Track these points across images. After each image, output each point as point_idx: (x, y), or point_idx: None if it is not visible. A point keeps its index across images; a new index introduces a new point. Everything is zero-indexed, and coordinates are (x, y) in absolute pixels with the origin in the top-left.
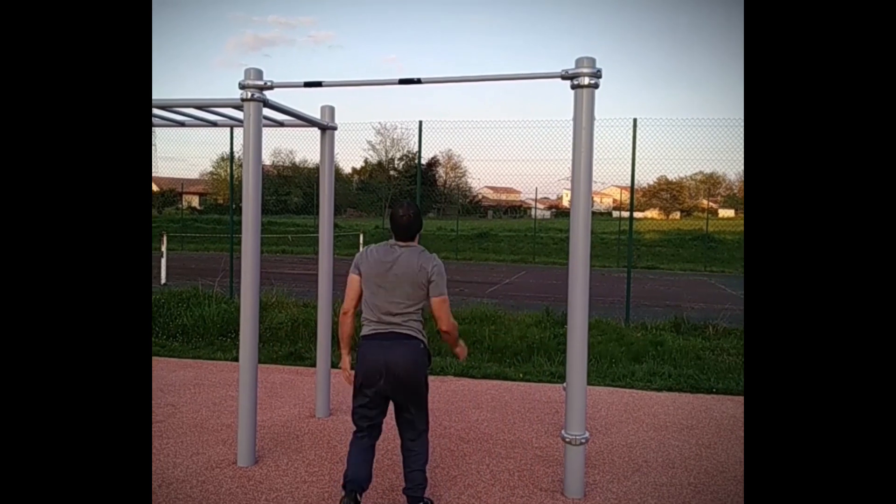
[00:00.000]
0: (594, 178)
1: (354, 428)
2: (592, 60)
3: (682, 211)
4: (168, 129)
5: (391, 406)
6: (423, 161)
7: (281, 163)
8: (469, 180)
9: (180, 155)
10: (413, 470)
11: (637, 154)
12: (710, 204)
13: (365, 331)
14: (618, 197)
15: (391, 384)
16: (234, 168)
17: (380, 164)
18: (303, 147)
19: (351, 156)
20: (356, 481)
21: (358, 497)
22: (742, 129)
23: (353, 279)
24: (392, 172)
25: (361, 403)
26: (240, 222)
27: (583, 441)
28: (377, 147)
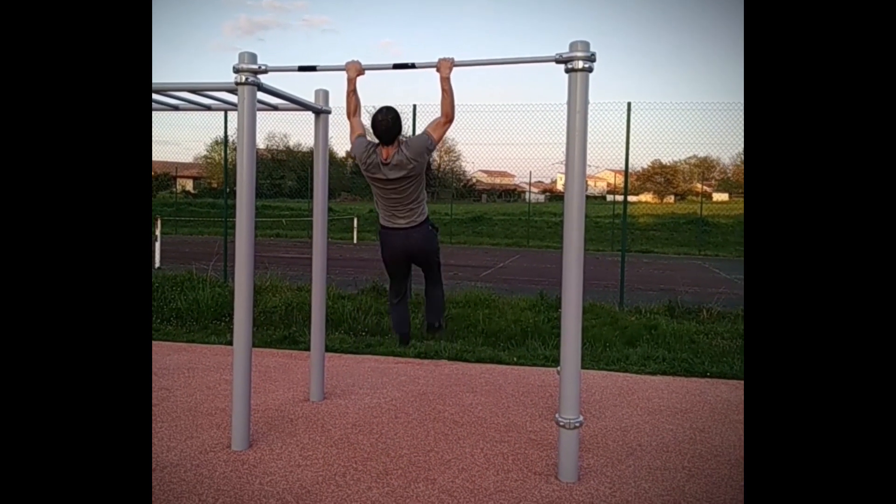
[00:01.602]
0: (588, 162)
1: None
2: (587, 44)
3: (676, 195)
4: (162, 112)
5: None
6: None
7: (275, 147)
8: (463, 164)
9: (174, 139)
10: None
11: (631, 138)
12: (705, 188)
13: (382, 221)
14: (612, 181)
15: (412, 257)
16: (228, 152)
17: None
18: (297, 131)
19: (345, 140)
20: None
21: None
22: (736, 113)
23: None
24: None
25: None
26: (234, 206)
27: (577, 425)
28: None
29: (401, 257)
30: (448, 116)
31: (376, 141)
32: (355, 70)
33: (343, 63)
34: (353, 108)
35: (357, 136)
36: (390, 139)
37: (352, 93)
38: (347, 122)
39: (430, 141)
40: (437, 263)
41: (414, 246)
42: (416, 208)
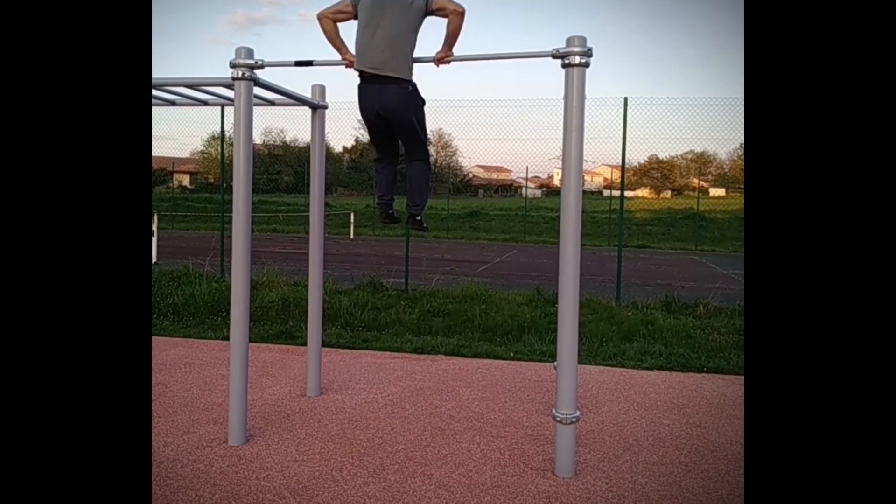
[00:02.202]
0: (585, 157)
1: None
2: (583, 39)
3: (672, 190)
4: (159, 107)
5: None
6: None
7: (272, 142)
8: (460, 159)
9: (171, 134)
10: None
11: (628, 133)
12: (701, 183)
13: (357, 64)
14: (608, 176)
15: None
16: (224, 147)
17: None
18: (293, 126)
19: (342, 135)
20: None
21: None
22: (733, 108)
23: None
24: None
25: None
26: (230, 201)
27: (573, 420)
28: None
29: (375, 120)
30: (458, 9)
31: None
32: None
33: (339, 58)
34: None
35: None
36: None
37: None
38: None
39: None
40: (420, 137)
41: (389, 106)
42: (398, 56)
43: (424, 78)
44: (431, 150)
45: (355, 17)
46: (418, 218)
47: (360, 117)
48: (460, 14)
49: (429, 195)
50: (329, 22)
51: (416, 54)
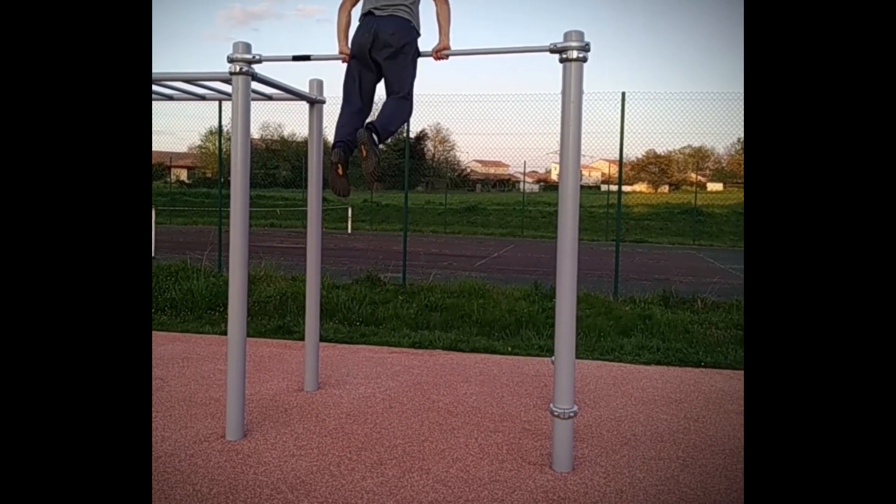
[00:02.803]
0: (582, 152)
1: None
2: (581, 34)
3: (670, 184)
4: (157, 102)
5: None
6: (412, 135)
7: (269, 136)
8: (457, 154)
9: (168, 128)
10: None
11: (625, 128)
12: (699, 178)
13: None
14: (606, 170)
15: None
16: (222, 142)
17: None
18: (291, 121)
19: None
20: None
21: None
22: (731, 103)
23: None
24: (381, 146)
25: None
26: (228, 196)
27: (571, 415)
28: None
29: (367, 47)
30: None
31: None
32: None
33: (331, 53)
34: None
35: None
36: None
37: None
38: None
39: None
40: (410, 73)
41: (388, 30)
42: (404, 6)
43: (423, 73)
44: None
45: None
46: (374, 136)
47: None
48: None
49: (396, 128)
50: (347, 14)
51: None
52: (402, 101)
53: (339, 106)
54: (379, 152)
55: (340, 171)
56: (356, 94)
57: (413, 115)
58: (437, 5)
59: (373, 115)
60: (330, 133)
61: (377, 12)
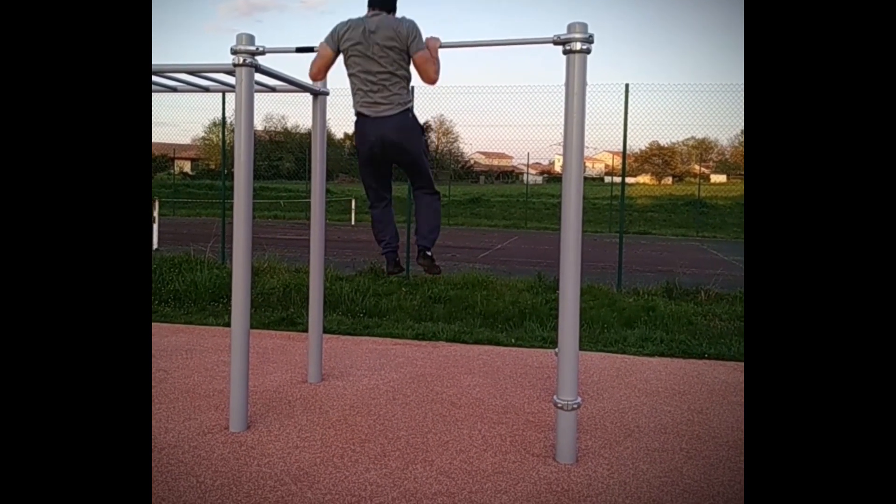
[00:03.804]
0: (586, 144)
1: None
2: (584, 26)
3: (673, 176)
4: (160, 94)
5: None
6: None
7: (273, 128)
8: (461, 145)
9: (172, 120)
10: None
11: (629, 119)
12: (702, 169)
13: (358, 107)
14: (610, 162)
15: (389, 153)
16: (226, 133)
17: None
18: (295, 112)
19: (343, 121)
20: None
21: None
22: (734, 95)
23: (324, 48)
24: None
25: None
26: (232, 188)
27: (575, 406)
28: None
29: (377, 152)
30: (430, 78)
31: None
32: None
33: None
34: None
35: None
36: (386, 5)
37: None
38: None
39: (419, 43)
40: (425, 165)
41: (390, 138)
42: (396, 89)
43: None
44: (433, 136)
45: (338, 52)
46: (429, 253)
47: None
48: (431, 82)
49: (440, 228)
50: (323, 73)
51: None
52: (433, 198)
53: (342, 97)
54: (438, 265)
55: (395, 271)
56: (379, 191)
57: (416, 106)
58: (419, 70)
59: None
60: (334, 124)
61: (370, 113)
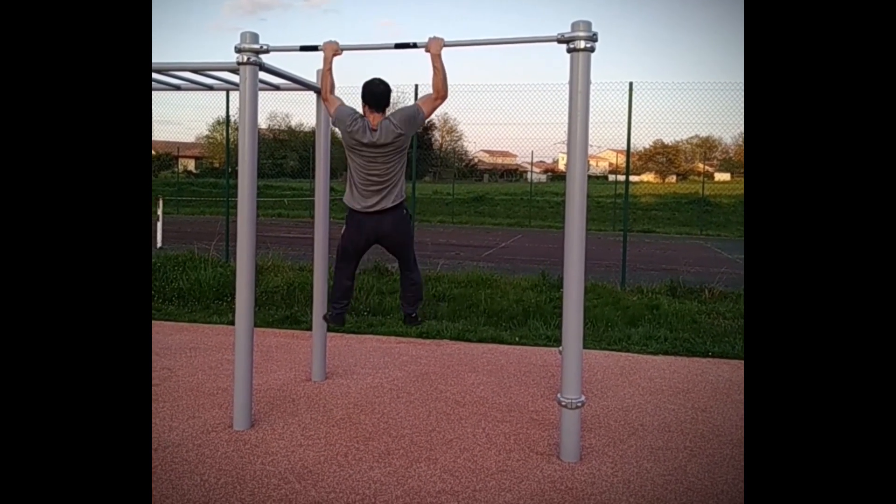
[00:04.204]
0: (590, 142)
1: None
2: (588, 24)
3: (677, 174)
4: (164, 92)
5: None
6: None
7: (277, 126)
8: (465, 144)
9: (176, 118)
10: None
11: (633, 117)
12: (706, 167)
13: (353, 204)
14: (614, 160)
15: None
16: (230, 132)
17: None
18: (299, 111)
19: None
20: None
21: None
22: (738, 93)
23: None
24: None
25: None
26: (236, 186)
27: (579, 404)
28: None
29: (368, 244)
30: (440, 93)
31: (360, 112)
32: (332, 50)
33: (344, 43)
34: (330, 87)
35: (338, 105)
36: (381, 106)
37: (328, 72)
38: (324, 101)
39: (420, 113)
40: (413, 251)
41: (386, 232)
42: (393, 189)
43: (427, 64)
44: (436, 134)
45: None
46: (414, 315)
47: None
48: (443, 97)
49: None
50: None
51: (414, 40)
52: (418, 274)
53: (347, 96)
54: (420, 319)
55: (339, 324)
56: (353, 261)
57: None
58: (434, 75)
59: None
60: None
61: (366, 210)
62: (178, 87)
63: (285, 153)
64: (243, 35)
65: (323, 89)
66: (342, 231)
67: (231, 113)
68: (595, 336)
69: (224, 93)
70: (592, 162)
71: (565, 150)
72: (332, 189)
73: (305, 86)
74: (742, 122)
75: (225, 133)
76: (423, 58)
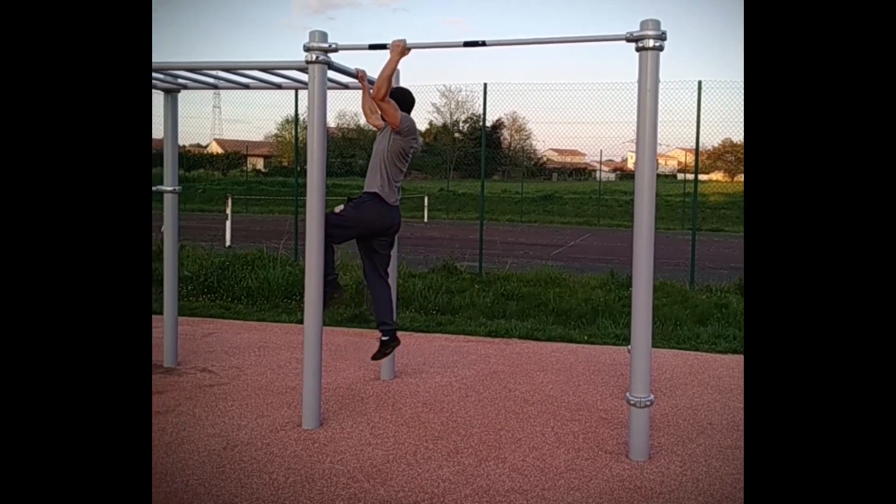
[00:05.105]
0: (659, 141)
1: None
2: (657, 23)
3: None
4: (233, 91)
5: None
6: (488, 123)
7: (346, 125)
8: (534, 142)
9: (245, 117)
10: None
11: (702, 116)
12: None
13: (387, 196)
14: (682, 159)
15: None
16: (298, 130)
17: (444, 126)
18: None
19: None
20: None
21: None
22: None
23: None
24: (457, 135)
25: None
26: (305, 185)
27: (647, 403)
28: (442, 109)
29: (378, 232)
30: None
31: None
32: (400, 50)
33: (413, 41)
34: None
35: (402, 112)
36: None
37: (392, 73)
38: (379, 103)
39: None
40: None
41: (397, 224)
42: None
43: (498, 61)
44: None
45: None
46: (395, 328)
47: (434, 101)
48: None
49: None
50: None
51: (476, 37)
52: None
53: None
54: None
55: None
56: (351, 238)
57: (489, 103)
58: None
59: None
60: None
61: (395, 202)
62: (246, 86)
63: (354, 152)
64: (312, 34)
65: (382, 90)
66: (355, 210)
67: (300, 111)
68: (664, 335)
69: (293, 91)
70: (661, 160)
71: (634, 148)
72: (402, 188)
73: (374, 84)
74: None
75: (294, 132)
76: (492, 56)
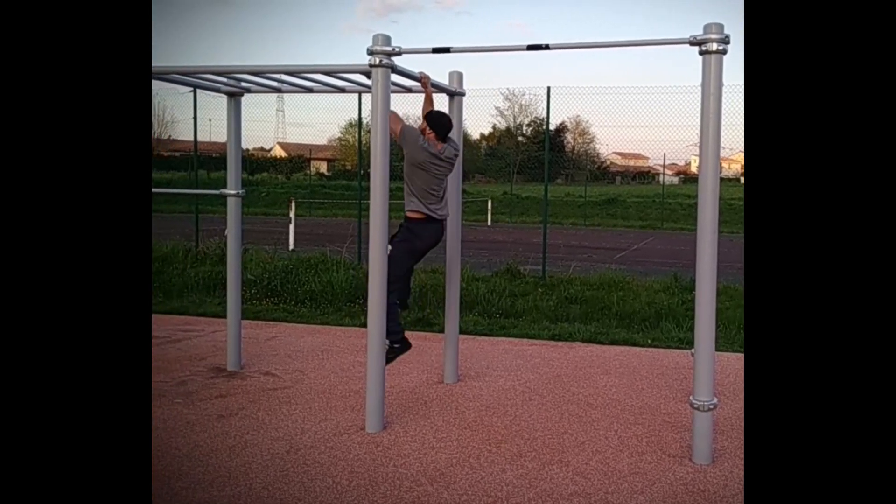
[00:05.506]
0: (722, 144)
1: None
2: (721, 26)
3: None
4: (296, 95)
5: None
6: (552, 127)
7: None
8: (597, 146)
9: (308, 121)
10: None
11: None
12: None
13: (431, 212)
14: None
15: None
16: (362, 134)
17: (508, 130)
18: None
19: (479, 122)
20: None
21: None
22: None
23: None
24: (520, 138)
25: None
26: (368, 188)
27: (711, 407)
28: (505, 113)
29: (429, 250)
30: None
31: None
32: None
33: (476, 45)
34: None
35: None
36: (446, 137)
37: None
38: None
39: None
40: None
41: (440, 236)
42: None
43: (562, 66)
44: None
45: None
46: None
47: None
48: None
49: None
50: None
51: (539, 41)
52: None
53: (478, 98)
54: None
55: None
56: (404, 275)
57: (552, 106)
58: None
59: None
60: (469, 125)
61: (442, 213)
62: (310, 90)
63: None
64: (375, 37)
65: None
66: (400, 244)
67: (363, 115)
68: (727, 338)
69: (356, 95)
70: (724, 164)
71: (697, 152)
72: (464, 191)
73: (437, 88)
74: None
75: (357, 135)
76: (555, 60)
